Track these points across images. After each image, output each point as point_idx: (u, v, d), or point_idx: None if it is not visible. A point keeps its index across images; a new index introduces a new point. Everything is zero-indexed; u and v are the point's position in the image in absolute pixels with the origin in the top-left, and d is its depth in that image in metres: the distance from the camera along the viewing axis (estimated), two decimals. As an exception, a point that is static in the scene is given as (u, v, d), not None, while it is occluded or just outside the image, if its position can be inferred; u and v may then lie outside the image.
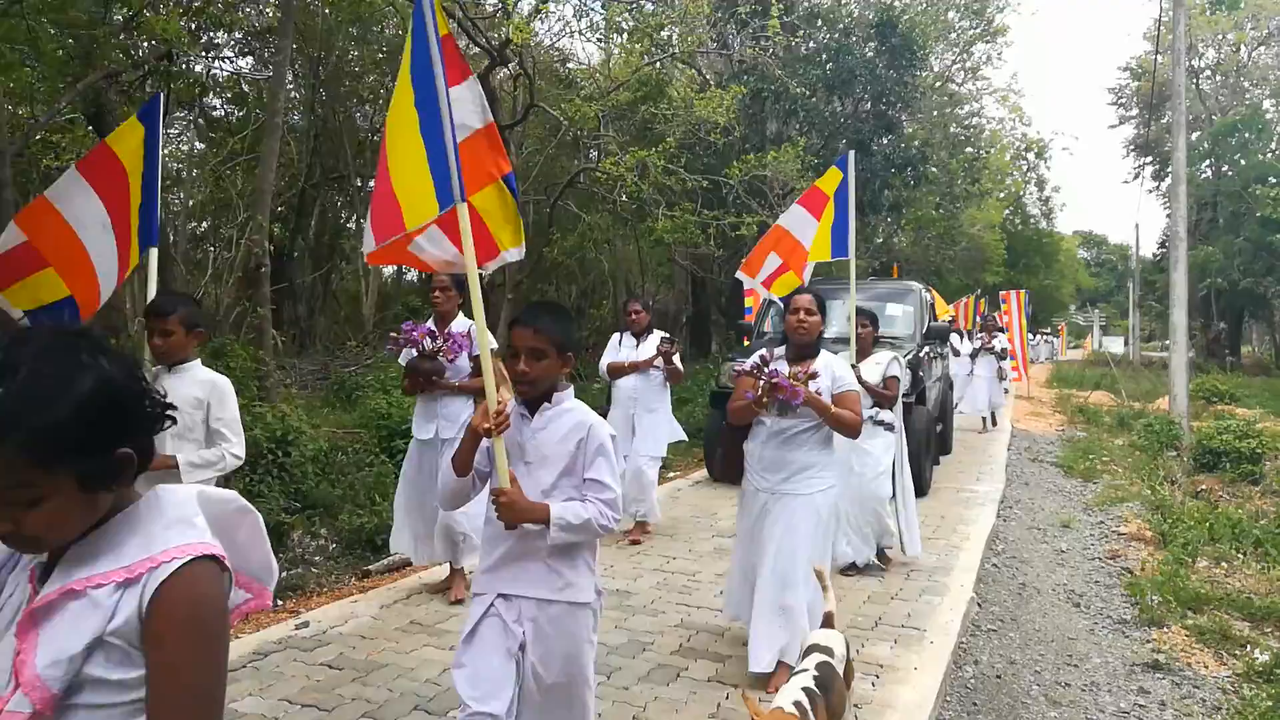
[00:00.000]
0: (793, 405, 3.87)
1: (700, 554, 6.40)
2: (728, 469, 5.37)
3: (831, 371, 4.14)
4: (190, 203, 15.24)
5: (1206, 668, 4.88)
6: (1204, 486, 9.69)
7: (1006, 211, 39.67)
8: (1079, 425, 16.60)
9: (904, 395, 7.50)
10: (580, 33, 23.58)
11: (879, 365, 5.87)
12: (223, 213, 15.50)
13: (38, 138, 9.54)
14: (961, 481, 9.67)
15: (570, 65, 17.56)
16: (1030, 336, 25.11)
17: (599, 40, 15.83)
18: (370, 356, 12.86)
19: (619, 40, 15.76)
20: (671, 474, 9.77)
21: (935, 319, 11.09)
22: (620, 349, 6.92)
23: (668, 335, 6.98)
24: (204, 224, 16.97)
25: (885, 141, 19.21)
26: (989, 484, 9.63)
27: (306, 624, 4.70)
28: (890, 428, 5.91)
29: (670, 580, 5.72)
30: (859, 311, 5.77)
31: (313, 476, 6.61)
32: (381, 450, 7.59)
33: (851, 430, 4.10)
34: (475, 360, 4.73)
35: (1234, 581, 6.32)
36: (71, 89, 7.26)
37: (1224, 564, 6.73)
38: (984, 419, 14.98)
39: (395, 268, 24.56)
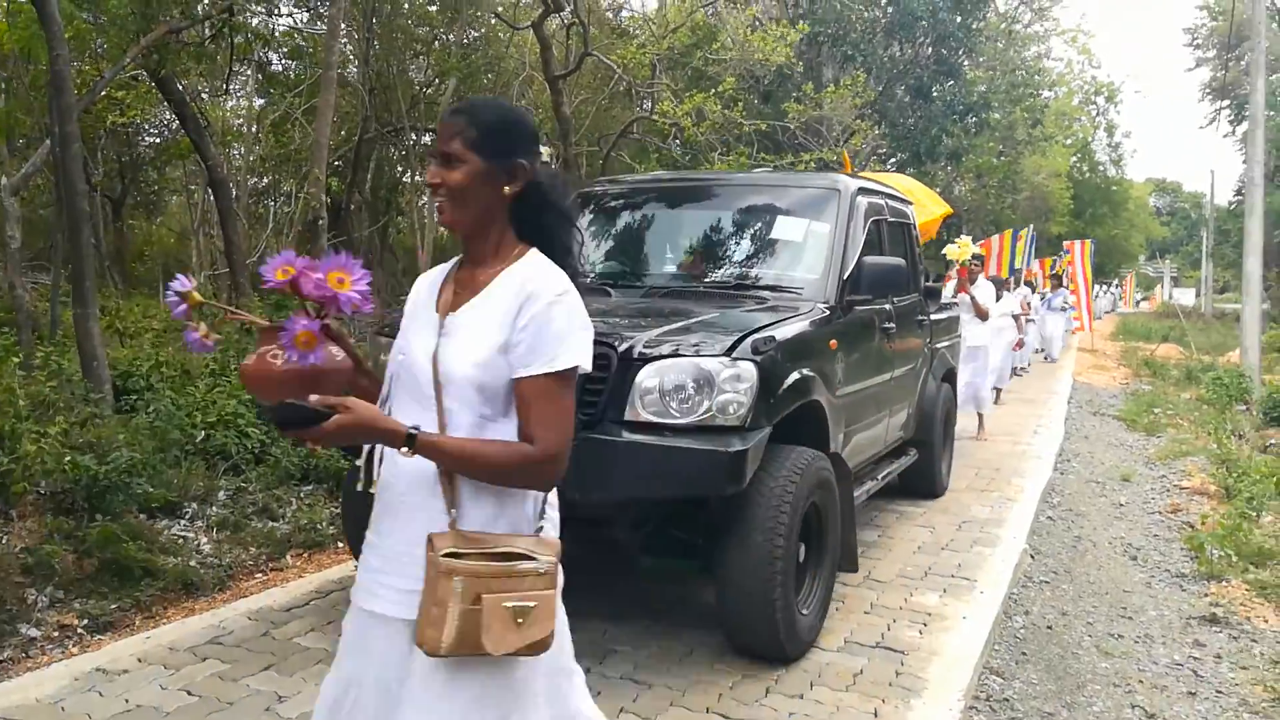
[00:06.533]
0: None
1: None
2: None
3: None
4: (250, 158, 15.52)
5: (1266, 622, 4.80)
6: (1274, 441, 9.43)
7: (1074, 158, 38.46)
8: (1144, 379, 16.21)
9: (735, 421, 3.35)
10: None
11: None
12: (282, 167, 15.76)
13: (103, 94, 9.76)
14: (1018, 435, 9.54)
15: (624, 14, 17.36)
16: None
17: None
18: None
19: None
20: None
21: (914, 252, 5.81)
22: None
23: None
24: (264, 179, 17.31)
25: (946, 87, 18.72)
26: (1046, 437, 9.48)
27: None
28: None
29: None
30: None
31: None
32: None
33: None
34: None
35: (1300, 537, 6.18)
36: (135, 46, 7.40)
37: (1290, 519, 6.57)
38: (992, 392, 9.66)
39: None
